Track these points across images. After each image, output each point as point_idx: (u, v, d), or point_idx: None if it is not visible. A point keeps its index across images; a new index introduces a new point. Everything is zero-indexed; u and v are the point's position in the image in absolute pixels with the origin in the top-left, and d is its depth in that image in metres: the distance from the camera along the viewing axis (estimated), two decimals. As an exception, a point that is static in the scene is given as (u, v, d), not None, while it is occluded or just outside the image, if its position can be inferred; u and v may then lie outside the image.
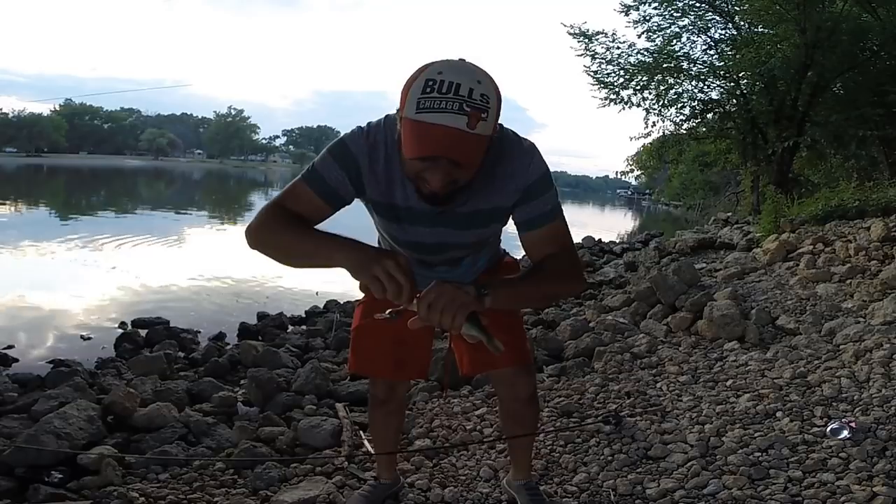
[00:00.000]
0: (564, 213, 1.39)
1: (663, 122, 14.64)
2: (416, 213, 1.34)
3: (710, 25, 13.64)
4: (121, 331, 4.36)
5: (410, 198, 1.30)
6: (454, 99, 1.07)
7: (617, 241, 12.34)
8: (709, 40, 13.85)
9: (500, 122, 1.30)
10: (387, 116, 1.30)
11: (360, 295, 1.74)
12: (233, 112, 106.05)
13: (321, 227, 1.32)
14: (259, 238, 1.28)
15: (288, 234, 1.25)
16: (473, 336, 1.18)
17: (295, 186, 1.31)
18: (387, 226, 1.44)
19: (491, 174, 1.28)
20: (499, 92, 1.16)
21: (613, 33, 13.77)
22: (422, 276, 1.59)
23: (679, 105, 14.35)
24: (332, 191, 1.30)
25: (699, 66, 13.91)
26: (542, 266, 1.32)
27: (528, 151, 1.31)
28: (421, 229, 1.38)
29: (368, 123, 1.32)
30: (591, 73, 14.09)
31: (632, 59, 13.74)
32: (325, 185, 1.29)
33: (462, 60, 1.15)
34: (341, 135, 1.36)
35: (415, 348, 1.70)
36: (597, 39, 13.76)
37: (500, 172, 1.29)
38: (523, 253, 1.48)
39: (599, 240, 10.98)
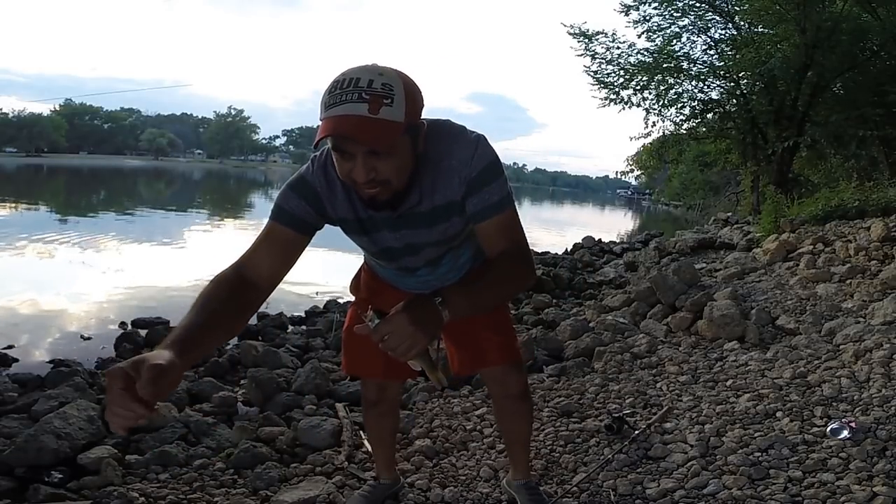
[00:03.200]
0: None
1: (663, 122, 14.68)
2: (377, 221, 1.36)
3: (710, 25, 13.66)
4: (121, 331, 4.36)
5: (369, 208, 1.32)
6: (353, 90, 1.11)
7: (617, 241, 12.35)
8: (709, 40, 13.87)
9: (484, 135, 1.32)
10: None
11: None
12: (233, 112, 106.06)
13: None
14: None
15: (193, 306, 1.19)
16: (418, 366, 1.21)
17: (265, 230, 1.35)
18: (358, 240, 1.46)
19: (438, 170, 1.29)
20: (410, 84, 1.17)
21: (613, 33, 13.82)
22: (405, 283, 1.59)
23: (679, 105, 14.38)
24: (298, 220, 1.33)
25: (699, 66, 13.93)
26: (495, 266, 1.30)
27: (473, 142, 1.29)
28: (386, 235, 1.40)
29: (322, 150, 1.35)
30: (591, 73, 14.13)
31: (632, 59, 13.76)
32: (290, 216, 1.33)
33: (373, 64, 1.18)
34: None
35: None
36: (597, 39, 13.78)
37: (446, 166, 1.29)
38: None
39: (599, 240, 10.97)
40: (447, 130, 1.31)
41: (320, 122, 1.15)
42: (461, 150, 1.28)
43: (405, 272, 1.56)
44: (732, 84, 13.64)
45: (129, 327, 4.55)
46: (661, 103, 14.13)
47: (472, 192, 1.30)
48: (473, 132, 1.32)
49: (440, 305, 1.13)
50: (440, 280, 1.55)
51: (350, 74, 1.14)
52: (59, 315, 4.99)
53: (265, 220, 1.39)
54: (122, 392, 0.90)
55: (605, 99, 14.20)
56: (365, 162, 1.14)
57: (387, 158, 1.16)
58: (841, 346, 3.21)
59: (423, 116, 1.24)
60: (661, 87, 13.89)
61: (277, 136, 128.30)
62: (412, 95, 1.17)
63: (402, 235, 1.39)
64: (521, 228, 1.37)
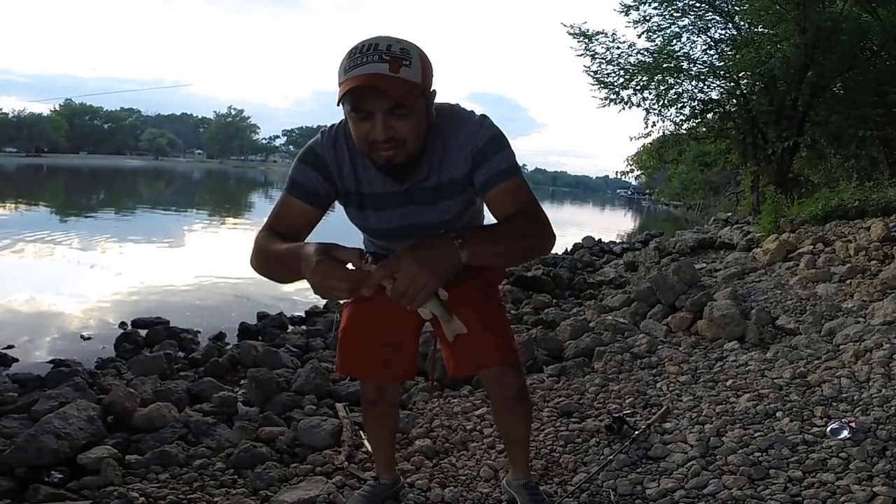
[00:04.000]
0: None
1: (663, 122, 14.71)
2: (384, 197, 1.39)
3: (710, 25, 13.69)
4: (121, 331, 4.35)
5: (375, 183, 1.37)
6: (373, 52, 1.18)
7: (617, 241, 12.34)
8: (709, 40, 13.90)
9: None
10: None
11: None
12: (233, 112, 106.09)
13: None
14: (255, 266, 1.32)
15: (270, 256, 1.26)
16: (429, 313, 1.14)
17: (281, 201, 1.39)
18: (360, 217, 1.47)
19: (446, 146, 1.34)
20: (423, 53, 1.24)
21: (613, 33, 13.84)
22: None
23: (679, 105, 14.41)
24: (312, 192, 1.37)
25: (699, 66, 13.96)
26: (512, 218, 1.29)
27: (477, 120, 1.36)
28: (391, 212, 1.42)
29: (331, 124, 1.40)
30: (591, 73, 14.15)
31: (632, 59, 13.79)
32: (303, 190, 1.37)
33: (387, 35, 1.23)
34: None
35: (402, 349, 1.71)
36: (597, 39, 13.80)
37: (452, 143, 1.34)
38: None
39: (599, 240, 10.97)
40: (456, 112, 1.38)
41: (340, 86, 1.19)
42: (467, 127, 1.35)
43: None
44: (732, 84, 13.66)
45: (129, 327, 4.54)
46: (661, 103, 14.17)
47: (480, 164, 1.34)
48: (478, 114, 1.38)
49: (458, 245, 1.10)
50: None
51: (368, 41, 1.20)
52: (59, 315, 4.99)
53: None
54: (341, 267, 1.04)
55: (605, 99, 14.24)
56: (384, 120, 1.19)
57: (404, 118, 1.20)
58: (841, 346, 3.21)
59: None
60: (661, 87, 13.92)
61: (277, 136, 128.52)
62: (426, 62, 1.24)
63: (408, 212, 1.41)
64: (533, 195, 1.37)
